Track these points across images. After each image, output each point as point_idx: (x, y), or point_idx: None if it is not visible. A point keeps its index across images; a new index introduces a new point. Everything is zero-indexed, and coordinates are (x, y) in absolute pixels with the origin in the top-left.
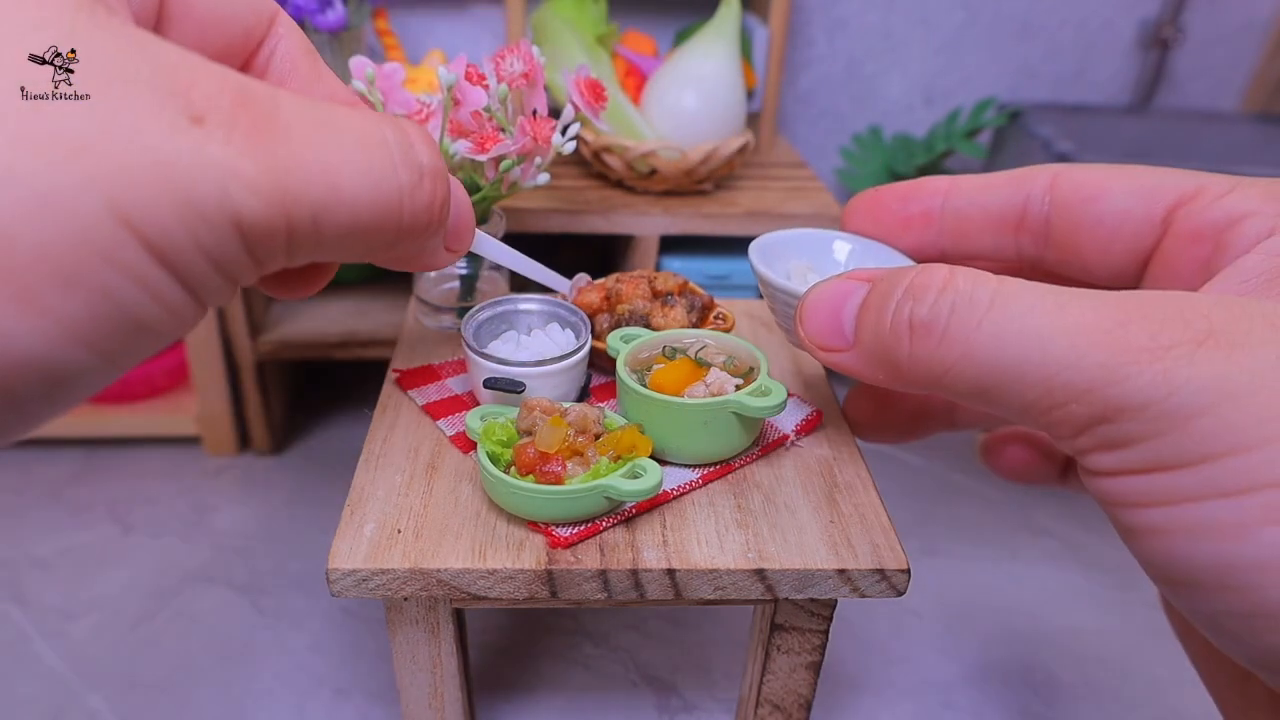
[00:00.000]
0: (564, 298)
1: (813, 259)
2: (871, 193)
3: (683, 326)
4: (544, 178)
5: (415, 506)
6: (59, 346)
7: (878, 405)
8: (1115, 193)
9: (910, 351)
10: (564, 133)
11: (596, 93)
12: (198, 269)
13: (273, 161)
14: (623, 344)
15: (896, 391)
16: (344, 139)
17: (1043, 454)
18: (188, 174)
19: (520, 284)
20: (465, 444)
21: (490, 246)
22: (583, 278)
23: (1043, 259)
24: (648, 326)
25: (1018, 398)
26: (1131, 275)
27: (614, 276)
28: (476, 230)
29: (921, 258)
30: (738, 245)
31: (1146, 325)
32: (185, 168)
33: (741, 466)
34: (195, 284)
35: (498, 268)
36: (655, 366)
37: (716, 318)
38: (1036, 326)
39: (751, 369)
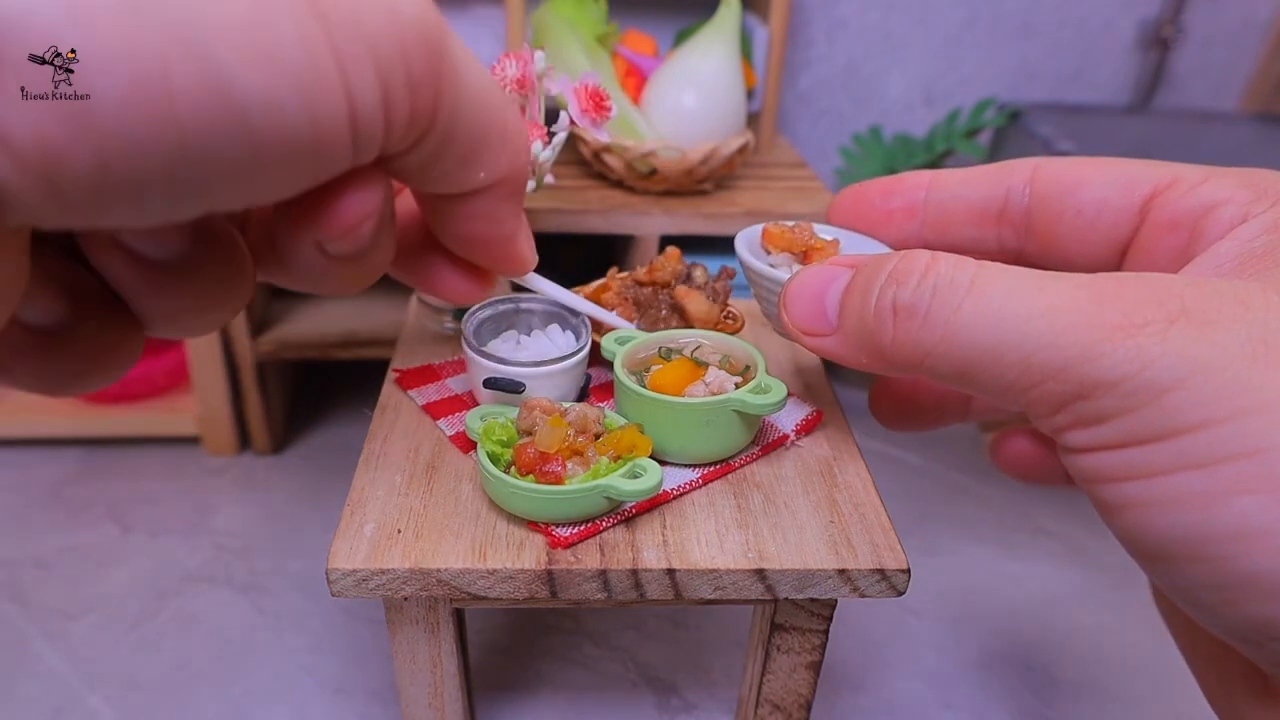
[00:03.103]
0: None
1: None
2: (855, 187)
3: (705, 309)
4: (530, 185)
5: (415, 506)
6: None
7: (900, 393)
8: (1094, 183)
9: (893, 335)
10: (551, 139)
11: (599, 102)
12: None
13: None
14: (618, 346)
15: (922, 381)
16: None
17: (1050, 451)
18: None
19: (519, 285)
20: (465, 444)
21: (543, 284)
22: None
23: (1024, 250)
24: (673, 301)
25: (997, 378)
26: (1110, 265)
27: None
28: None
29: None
30: None
31: (1120, 304)
32: None
33: (741, 466)
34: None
35: None
36: (653, 368)
37: (727, 317)
38: (1014, 308)
39: (748, 367)
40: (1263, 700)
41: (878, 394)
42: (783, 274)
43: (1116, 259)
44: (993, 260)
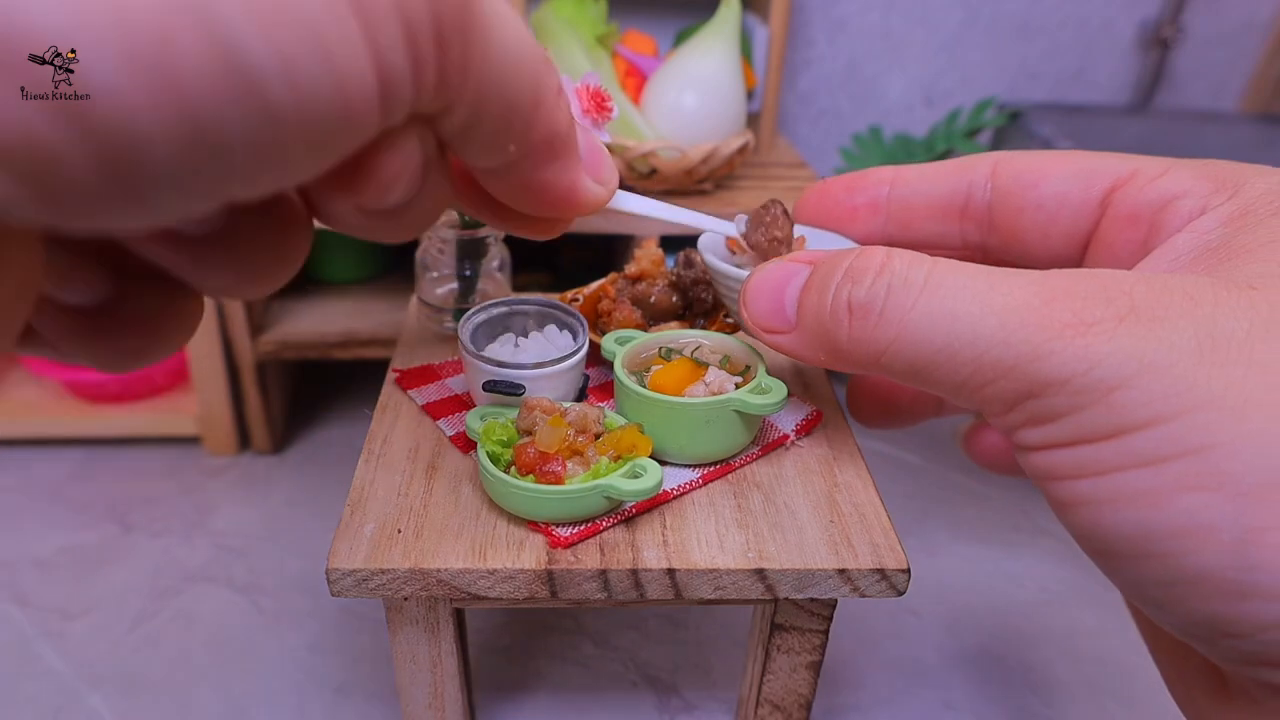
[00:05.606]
0: (737, 240)
1: None
2: (820, 185)
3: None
4: None
5: (415, 506)
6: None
7: (875, 390)
8: (1053, 177)
9: (849, 333)
10: None
11: (600, 103)
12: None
13: None
14: (618, 346)
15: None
16: None
17: None
18: None
19: (519, 286)
20: (465, 444)
21: (636, 202)
22: (742, 219)
23: (986, 244)
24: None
25: (950, 376)
26: (1072, 258)
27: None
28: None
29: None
30: None
31: (1070, 303)
32: None
33: (741, 466)
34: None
35: (501, 268)
36: (653, 368)
37: (726, 317)
38: (967, 306)
39: (748, 367)
40: (1220, 695)
41: (854, 392)
42: (743, 272)
43: (1078, 252)
44: (957, 255)
